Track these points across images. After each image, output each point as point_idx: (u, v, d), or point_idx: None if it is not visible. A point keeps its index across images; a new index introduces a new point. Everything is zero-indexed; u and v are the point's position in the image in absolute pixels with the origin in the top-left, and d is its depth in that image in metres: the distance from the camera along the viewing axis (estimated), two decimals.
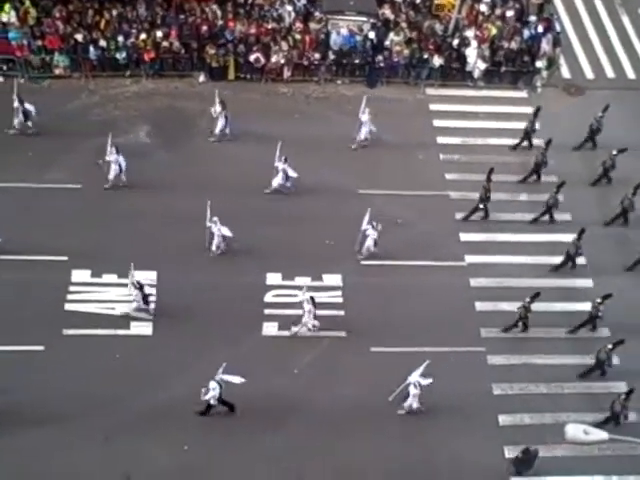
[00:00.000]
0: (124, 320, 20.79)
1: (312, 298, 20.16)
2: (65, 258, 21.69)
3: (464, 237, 23.72)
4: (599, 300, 20.97)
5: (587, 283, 22.96)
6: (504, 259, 23.13)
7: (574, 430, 12.44)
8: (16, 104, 24.01)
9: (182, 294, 21.21)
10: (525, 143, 26.13)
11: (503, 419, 20.04)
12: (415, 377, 18.84)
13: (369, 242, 22.20)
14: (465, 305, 22.03)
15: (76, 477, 18.06)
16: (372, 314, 21.27)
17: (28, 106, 24.08)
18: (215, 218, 21.38)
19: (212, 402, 18.70)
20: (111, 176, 23.17)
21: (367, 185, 24.33)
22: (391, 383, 19.64)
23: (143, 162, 24.37)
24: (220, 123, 24.87)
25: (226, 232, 21.68)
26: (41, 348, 19.93)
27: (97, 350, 20.04)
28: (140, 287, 20.27)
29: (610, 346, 19.97)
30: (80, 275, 21.51)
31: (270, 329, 21.06)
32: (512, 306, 21.59)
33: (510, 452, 19.35)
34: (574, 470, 19.31)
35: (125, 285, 21.01)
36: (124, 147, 24.74)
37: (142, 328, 20.76)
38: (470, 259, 23.17)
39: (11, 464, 18.05)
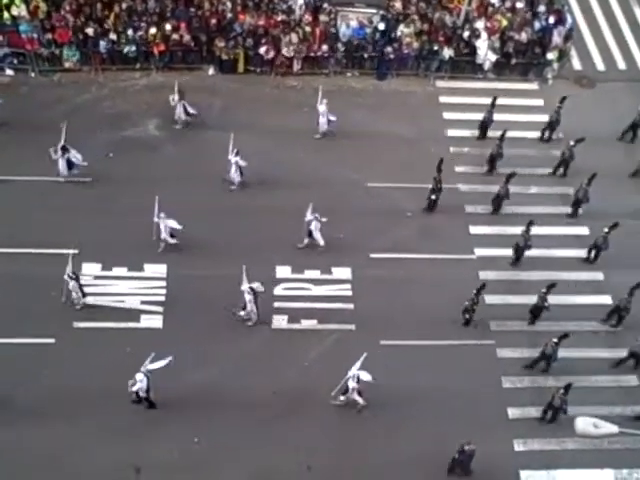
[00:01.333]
0: (134, 313, 20.89)
1: (252, 288, 20.04)
2: (76, 251, 21.78)
3: (473, 230, 23.67)
4: (544, 290, 20.81)
5: (598, 276, 22.88)
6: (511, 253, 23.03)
7: (584, 423, 12.40)
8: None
9: (192, 287, 21.26)
10: (546, 134, 26.02)
11: (512, 412, 20.03)
12: (354, 370, 18.70)
13: (316, 234, 22.03)
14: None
15: (87, 469, 18.16)
16: (381, 307, 21.28)
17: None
18: (162, 214, 21.27)
19: (141, 394, 18.63)
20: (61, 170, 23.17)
21: (376, 178, 24.30)
22: (400, 376, 19.68)
23: (152, 155, 24.45)
24: (178, 111, 24.75)
25: (174, 225, 21.49)
26: (52, 341, 20.05)
27: (107, 343, 20.14)
28: (75, 278, 20.11)
29: (556, 340, 19.78)
30: (91, 268, 21.61)
31: (280, 322, 21.11)
32: (521, 299, 21.54)
33: (520, 445, 19.37)
34: (584, 463, 19.28)
35: (135, 279, 21.12)
36: (134, 140, 24.89)
37: (152, 321, 20.85)
38: (479, 252, 23.13)
39: (22, 456, 18.18)
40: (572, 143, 24.41)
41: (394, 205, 23.74)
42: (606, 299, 22.26)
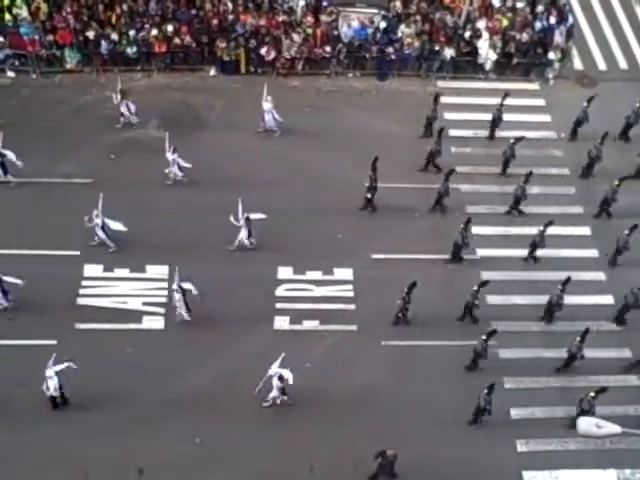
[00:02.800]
0: (136, 314, 20.89)
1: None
2: (77, 252, 21.81)
3: (476, 230, 23.59)
4: (475, 288, 20.79)
5: (599, 276, 22.85)
6: (516, 252, 23.00)
7: (586, 424, 12.38)
8: None
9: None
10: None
11: (515, 413, 20.00)
12: (274, 369, 18.66)
13: (242, 233, 21.90)
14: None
15: (89, 470, 18.18)
16: (383, 308, 21.24)
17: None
18: (96, 212, 21.21)
19: (53, 393, 18.50)
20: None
21: (379, 178, 24.23)
22: (402, 377, 19.67)
23: (154, 156, 24.42)
24: (122, 110, 24.68)
25: (118, 227, 21.40)
26: (54, 342, 20.05)
27: (109, 344, 20.14)
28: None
29: (484, 337, 19.69)
30: (92, 269, 21.62)
31: (282, 323, 21.09)
32: (523, 299, 21.52)
33: (522, 446, 19.34)
34: (586, 464, 19.26)
35: (136, 280, 21.13)
36: (135, 141, 24.90)
37: (154, 322, 20.85)
38: (482, 252, 23.10)
39: (22, 457, 18.20)
40: (512, 141, 24.29)
41: (396, 206, 23.70)
42: (608, 299, 22.22)
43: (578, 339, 19.91)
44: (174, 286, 20.07)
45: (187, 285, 19.99)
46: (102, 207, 21.13)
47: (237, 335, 20.60)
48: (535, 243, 22.47)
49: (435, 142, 24.38)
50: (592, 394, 18.70)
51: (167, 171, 23.37)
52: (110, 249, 21.90)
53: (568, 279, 20.73)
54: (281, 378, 18.72)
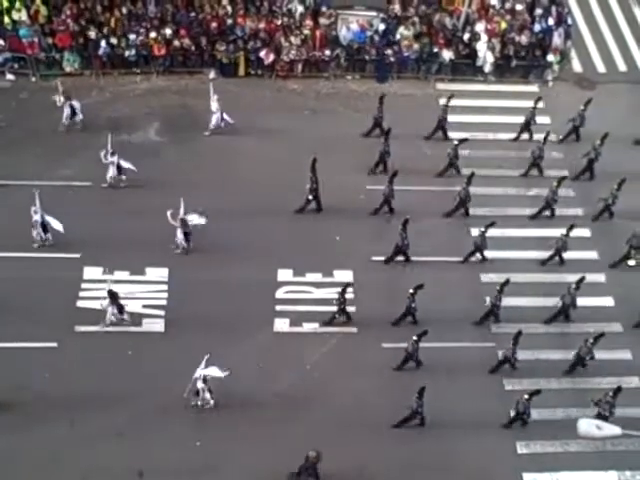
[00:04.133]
0: (136, 317, 20.87)
1: (110, 291, 19.84)
2: (77, 255, 21.80)
3: (475, 233, 23.64)
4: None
5: (599, 278, 22.86)
6: (515, 254, 23.02)
7: (586, 425, 12.42)
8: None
9: (194, 291, 21.26)
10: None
11: (515, 414, 19.97)
12: (199, 371, 18.59)
13: (179, 235, 21.80)
14: (476, 300, 21.97)
15: (89, 473, 18.14)
16: (383, 310, 21.25)
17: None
18: (34, 208, 21.18)
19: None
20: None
21: (376, 181, 24.27)
22: (402, 379, 19.66)
23: (153, 159, 24.47)
24: (66, 112, 24.58)
25: (58, 227, 21.32)
26: (54, 345, 20.05)
27: (109, 347, 20.12)
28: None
29: (415, 337, 19.61)
30: (92, 272, 21.61)
31: (281, 325, 21.08)
32: (522, 301, 21.51)
33: (522, 448, 19.34)
34: (587, 465, 19.24)
35: (136, 282, 21.13)
36: (134, 145, 24.90)
37: (154, 325, 20.84)
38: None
39: (23, 460, 18.17)
40: (456, 142, 24.33)
41: (395, 208, 23.69)
42: (608, 301, 22.23)
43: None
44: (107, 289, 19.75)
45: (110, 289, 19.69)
46: (40, 204, 21.03)
47: (237, 338, 20.58)
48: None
49: (383, 143, 24.26)
50: (526, 396, 18.78)
51: (108, 176, 23.25)
52: (36, 244, 21.75)
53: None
54: (205, 380, 18.64)
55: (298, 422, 19.29)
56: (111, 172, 23.12)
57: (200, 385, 18.78)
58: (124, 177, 23.27)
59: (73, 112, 24.66)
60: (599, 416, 18.77)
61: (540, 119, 26.53)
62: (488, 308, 21.22)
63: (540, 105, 25.88)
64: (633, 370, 20.92)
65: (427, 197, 24.07)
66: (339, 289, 20.75)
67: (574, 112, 25.86)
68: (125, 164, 23.01)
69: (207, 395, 19.00)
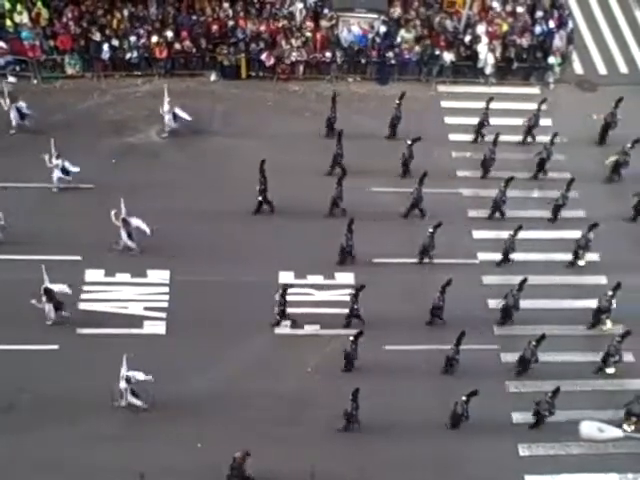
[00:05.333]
0: (137, 319, 20.89)
1: (45, 289, 19.75)
2: (79, 258, 21.81)
3: (477, 234, 23.66)
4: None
5: (600, 280, 22.84)
6: (516, 256, 22.97)
7: (588, 428, 12.42)
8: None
9: (195, 293, 21.26)
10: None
11: (517, 417, 19.98)
12: (122, 372, 18.51)
13: (122, 234, 21.79)
14: (478, 302, 21.97)
15: (91, 475, 18.16)
16: (384, 312, 21.23)
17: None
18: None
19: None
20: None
21: (378, 183, 24.28)
22: (404, 381, 19.63)
23: (155, 161, 24.49)
24: (12, 115, 24.41)
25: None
26: (56, 347, 20.06)
27: (111, 349, 20.10)
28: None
29: (352, 338, 19.62)
30: (94, 274, 21.63)
31: (282, 327, 21.07)
32: (525, 303, 21.47)
33: (524, 450, 19.34)
34: (589, 468, 19.23)
35: (138, 285, 21.13)
36: (136, 147, 24.91)
37: (155, 327, 20.84)
38: (482, 256, 23.11)
39: (26, 461, 18.18)
40: (409, 142, 24.19)
41: (397, 210, 23.71)
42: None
43: (617, 339, 19.95)
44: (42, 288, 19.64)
45: (59, 287, 19.65)
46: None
47: (238, 340, 20.58)
48: (580, 246, 22.50)
49: (337, 145, 24.08)
50: (464, 398, 18.78)
51: (54, 177, 23.16)
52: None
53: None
54: (128, 380, 18.60)
55: (299, 424, 19.29)
56: (56, 174, 22.92)
57: (122, 385, 18.68)
58: (70, 178, 23.16)
59: (21, 114, 24.44)
60: (537, 415, 19.08)
61: (542, 121, 26.52)
62: (504, 307, 21.20)
63: (543, 107, 25.88)
64: (636, 372, 20.89)
65: (435, 200, 24.00)
66: (351, 292, 20.72)
67: (575, 113, 25.86)
68: (70, 168, 22.92)
69: (129, 396, 18.84)
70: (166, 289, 21.50)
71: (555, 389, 18.86)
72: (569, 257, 23.03)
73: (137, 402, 19.03)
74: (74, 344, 20.19)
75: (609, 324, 21.65)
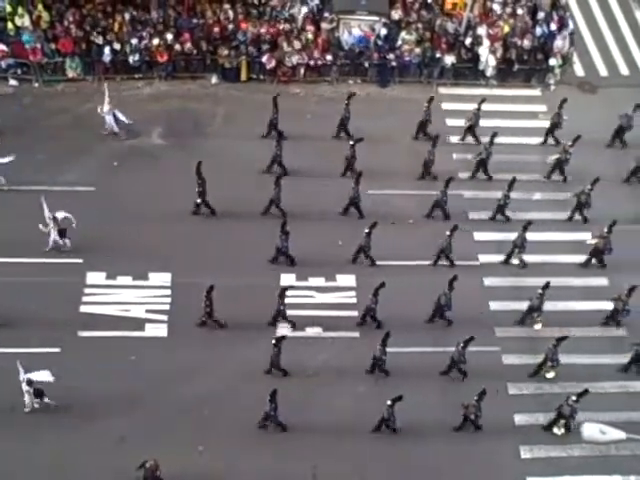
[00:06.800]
0: (139, 322, 20.89)
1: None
2: (80, 260, 21.82)
3: (478, 236, 23.65)
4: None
5: (602, 282, 22.83)
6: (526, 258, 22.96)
7: (591, 430, 12.42)
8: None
9: (197, 295, 21.24)
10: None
11: (519, 419, 19.97)
12: (22, 376, 18.40)
13: (52, 233, 21.57)
14: (479, 305, 21.95)
15: (91, 477, 18.16)
16: (386, 314, 21.20)
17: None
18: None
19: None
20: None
21: (378, 185, 24.26)
22: (406, 384, 19.63)
23: (156, 163, 24.51)
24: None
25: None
26: (57, 350, 20.06)
27: (112, 352, 20.13)
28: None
29: (274, 341, 19.46)
30: (95, 277, 21.63)
31: (283, 330, 21.05)
32: (525, 305, 21.47)
33: (526, 452, 19.31)
34: (591, 470, 19.20)
35: (139, 287, 21.15)
36: (137, 149, 24.92)
37: (157, 330, 20.84)
38: (484, 258, 23.10)
39: (28, 463, 18.21)
40: (351, 142, 24.05)
41: (397, 212, 23.71)
42: (609, 305, 22.19)
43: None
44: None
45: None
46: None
47: (240, 342, 20.58)
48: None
49: (276, 146, 23.99)
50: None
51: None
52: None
53: (633, 288, 20.78)
54: (30, 382, 18.48)
55: (301, 427, 19.28)
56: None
57: (25, 388, 18.55)
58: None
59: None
60: (465, 419, 18.99)
61: (543, 123, 26.57)
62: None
63: (544, 109, 25.93)
64: (632, 375, 20.89)
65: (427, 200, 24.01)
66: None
67: (575, 114, 25.83)
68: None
69: (27, 398, 18.68)
70: (168, 292, 21.50)
71: (481, 391, 18.65)
72: (577, 259, 23.05)
73: (46, 400, 18.80)
74: (75, 347, 20.17)
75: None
